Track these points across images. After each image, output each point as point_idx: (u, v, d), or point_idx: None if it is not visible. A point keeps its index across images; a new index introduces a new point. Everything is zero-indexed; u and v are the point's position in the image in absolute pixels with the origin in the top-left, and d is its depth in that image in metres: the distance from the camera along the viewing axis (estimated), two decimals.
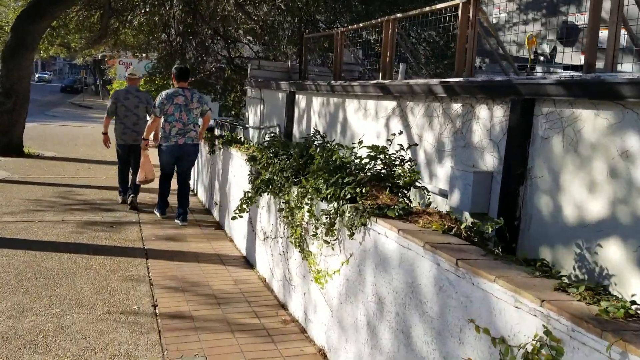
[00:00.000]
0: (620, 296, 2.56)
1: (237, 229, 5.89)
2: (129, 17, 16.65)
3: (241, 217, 4.71)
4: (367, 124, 6.41)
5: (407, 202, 3.19)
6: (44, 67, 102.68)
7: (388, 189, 3.13)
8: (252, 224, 5.27)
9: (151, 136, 6.94)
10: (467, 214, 4.42)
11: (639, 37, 4.98)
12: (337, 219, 3.21)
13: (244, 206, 4.63)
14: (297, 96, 8.90)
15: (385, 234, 2.70)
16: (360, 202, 3.03)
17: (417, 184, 3.37)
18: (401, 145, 3.85)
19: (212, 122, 18.76)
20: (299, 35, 14.64)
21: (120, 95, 7.57)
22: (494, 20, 7.68)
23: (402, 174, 3.31)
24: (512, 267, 2.11)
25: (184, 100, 6.58)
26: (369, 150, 3.51)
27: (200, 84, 18.58)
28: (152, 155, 6.92)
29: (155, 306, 4.10)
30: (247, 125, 11.59)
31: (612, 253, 3.18)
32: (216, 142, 7.12)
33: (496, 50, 6.62)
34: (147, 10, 12.84)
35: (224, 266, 5.14)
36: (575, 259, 3.49)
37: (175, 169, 6.89)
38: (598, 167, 3.31)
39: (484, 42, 6.65)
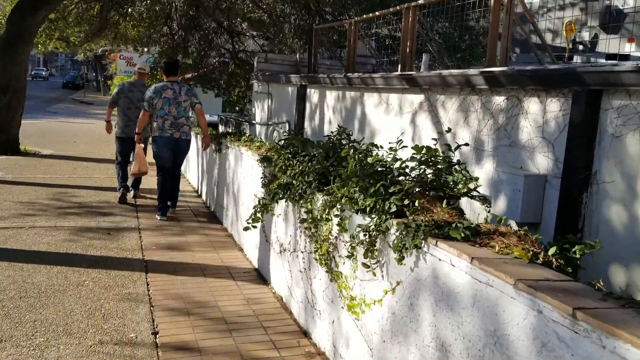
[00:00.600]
0: None
1: (248, 237, 5.29)
2: (129, 9, 16.05)
3: (255, 227, 4.11)
4: (389, 120, 5.80)
5: (463, 216, 2.59)
6: (46, 63, 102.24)
7: (444, 200, 2.53)
8: (265, 232, 4.67)
9: None
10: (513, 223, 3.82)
11: None
12: (379, 236, 2.60)
13: (259, 215, 4.04)
14: (308, 90, 8.29)
15: (450, 262, 2.10)
16: (411, 217, 2.43)
17: (476, 192, 2.77)
18: (448, 145, 3.25)
19: (215, 117, 18.23)
20: (307, 27, 14.02)
21: (125, 87, 7.60)
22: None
23: (455, 181, 2.71)
24: None
25: (172, 94, 6.51)
26: (413, 152, 2.91)
27: (203, 78, 17.97)
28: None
29: (155, 334, 3.50)
30: (253, 122, 10.98)
31: None
32: (223, 140, 6.52)
33: (529, 38, 5.99)
34: (149, 2, 12.22)
35: (234, 281, 4.55)
36: None
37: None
38: None
39: (515, 30, 6.04)
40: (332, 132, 4.12)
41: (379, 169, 2.87)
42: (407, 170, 2.96)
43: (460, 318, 2.03)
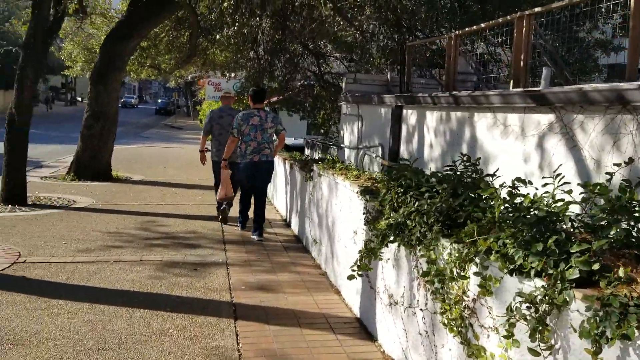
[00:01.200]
0: None
1: (347, 279, 4.66)
2: (217, 35, 16.21)
3: (361, 275, 3.47)
4: (507, 144, 5.00)
5: None
6: (141, 90, 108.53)
7: None
8: (369, 277, 4.02)
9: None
10: None
11: None
12: (552, 311, 1.88)
13: (365, 262, 3.39)
14: (405, 111, 7.63)
15: None
16: (608, 289, 1.69)
17: None
18: (627, 181, 2.46)
19: (301, 141, 17.95)
20: (395, 46, 13.41)
21: (215, 114, 7.89)
22: None
23: None
24: None
25: (259, 121, 6.77)
26: (582, 191, 2.17)
27: (288, 102, 17.80)
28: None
29: None
30: (342, 145, 10.45)
31: None
32: (315, 167, 5.97)
33: None
34: (237, 26, 12.12)
35: (333, 334, 3.92)
36: None
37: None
38: None
39: None
40: (454, 162, 3.43)
41: (540, 214, 2.15)
42: (573, 216, 2.22)
43: None
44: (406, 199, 3.29)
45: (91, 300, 4.40)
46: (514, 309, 2.01)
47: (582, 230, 2.10)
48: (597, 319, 1.66)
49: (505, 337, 2.06)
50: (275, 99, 17.73)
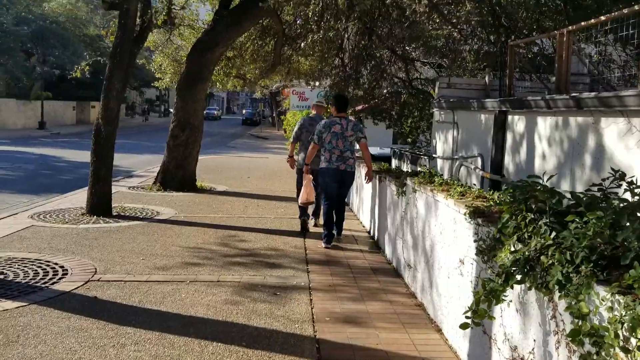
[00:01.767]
0: None
1: (449, 312, 3.94)
2: (302, 43, 15.93)
3: (478, 324, 2.76)
4: None
5: None
6: (229, 102, 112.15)
7: None
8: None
9: None
10: None
11: None
12: None
13: (483, 307, 2.68)
14: (510, 117, 6.76)
15: None
16: None
17: None
18: None
19: (388, 150, 17.24)
20: (495, 46, 12.42)
21: (306, 122, 7.93)
22: None
23: None
24: None
25: (340, 129, 6.82)
26: None
27: (374, 110, 17.18)
28: None
29: None
30: (434, 155, 9.66)
31: None
32: (409, 181, 5.29)
33: None
34: (322, 31, 11.69)
35: None
36: None
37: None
38: None
39: None
40: (602, 181, 2.64)
41: None
42: None
43: None
44: (539, 228, 2.55)
45: (162, 329, 3.97)
46: None
47: None
48: None
49: None
50: (360, 107, 17.16)
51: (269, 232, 7.50)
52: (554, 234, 2.45)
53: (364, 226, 8.17)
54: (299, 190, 7.74)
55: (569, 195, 2.66)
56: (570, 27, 6.45)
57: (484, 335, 3.23)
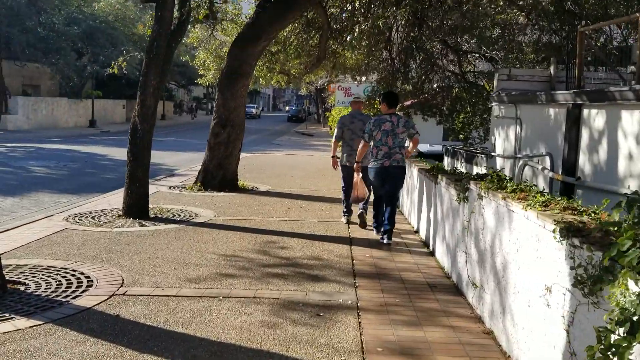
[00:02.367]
0: None
1: (529, 348, 3.23)
2: (348, 37, 15.28)
3: None
4: None
5: None
6: (275, 99, 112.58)
7: None
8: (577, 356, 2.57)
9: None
10: None
11: None
12: None
13: None
14: (585, 111, 5.92)
15: None
16: None
17: None
18: None
19: (438, 147, 16.38)
20: (562, 34, 11.43)
21: (346, 119, 7.91)
22: None
23: None
24: None
25: (390, 126, 6.72)
26: None
27: (423, 105, 16.34)
28: None
29: None
30: (493, 154, 8.84)
31: None
32: (472, 186, 4.56)
33: None
34: (371, 19, 10.99)
35: None
36: None
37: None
38: None
39: None
40: None
41: None
42: None
43: None
44: None
45: (184, 358, 3.42)
46: None
47: None
48: None
49: None
50: (409, 102, 16.37)
51: (312, 238, 6.90)
52: None
53: (416, 231, 7.46)
54: (344, 189, 7.82)
55: None
56: None
57: None
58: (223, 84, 10.93)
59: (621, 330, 1.93)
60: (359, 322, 4.11)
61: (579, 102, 5.92)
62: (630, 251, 2.05)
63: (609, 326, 2.00)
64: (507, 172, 8.25)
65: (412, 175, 7.95)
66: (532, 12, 9.92)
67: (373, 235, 7.17)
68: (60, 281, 4.95)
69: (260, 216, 8.34)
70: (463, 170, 10.93)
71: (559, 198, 3.43)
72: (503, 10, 10.77)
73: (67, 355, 3.46)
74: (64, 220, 7.64)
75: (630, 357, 1.90)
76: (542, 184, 6.85)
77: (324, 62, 15.72)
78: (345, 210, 7.90)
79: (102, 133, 30.14)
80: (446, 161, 13.07)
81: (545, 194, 3.53)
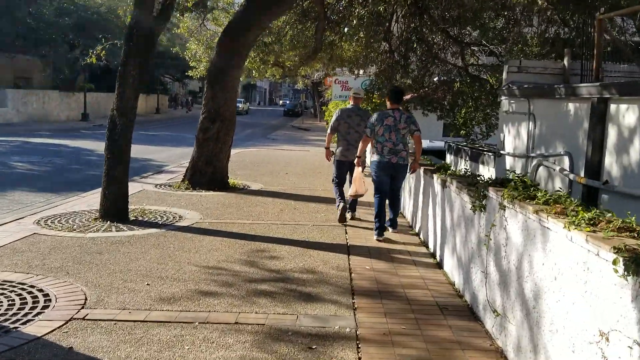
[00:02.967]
0: None
1: None
2: (346, 28, 14.58)
3: None
4: None
5: None
6: (271, 93, 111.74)
7: None
8: None
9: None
10: None
11: None
12: None
13: None
14: (613, 106, 5.27)
15: None
16: None
17: None
18: None
19: (438, 144, 15.72)
20: (567, 25, 10.78)
21: (344, 113, 7.78)
22: None
23: None
24: None
25: (393, 121, 6.68)
26: None
27: (423, 100, 15.66)
28: None
29: None
30: (502, 152, 8.17)
31: None
32: (492, 193, 3.90)
33: None
34: (369, 8, 10.30)
35: None
36: None
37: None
38: None
39: None
40: None
41: None
42: None
43: None
44: None
45: None
46: None
47: None
48: None
49: None
50: (408, 96, 15.69)
51: (305, 246, 6.24)
52: None
53: (420, 239, 6.80)
54: (337, 184, 7.74)
55: None
56: None
57: None
58: (212, 76, 10.24)
59: None
60: (359, 357, 3.45)
61: (606, 95, 5.26)
62: None
63: None
64: (518, 172, 7.61)
65: (416, 175, 7.30)
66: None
67: (373, 241, 6.53)
68: (13, 300, 4.28)
69: (250, 219, 7.67)
70: (467, 168, 10.29)
71: (609, 214, 2.76)
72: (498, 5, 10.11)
73: None
74: (34, 223, 6.96)
75: None
76: (559, 185, 6.20)
77: (321, 54, 15.02)
78: (339, 197, 7.67)
79: (95, 127, 29.34)
80: (449, 159, 12.41)
81: (591, 208, 2.86)
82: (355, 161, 7.03)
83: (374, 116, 6.86)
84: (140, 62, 7.40)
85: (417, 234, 7.05)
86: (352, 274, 5.20)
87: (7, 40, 29.24)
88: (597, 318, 2.37)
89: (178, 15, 13.16)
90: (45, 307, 4.15)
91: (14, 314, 4.00)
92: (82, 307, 4.16)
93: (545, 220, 2.94)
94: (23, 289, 4.53)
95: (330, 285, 4.85)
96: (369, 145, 7.41)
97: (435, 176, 5.99)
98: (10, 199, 9.10)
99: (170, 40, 35.81)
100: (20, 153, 15.66)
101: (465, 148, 11.14)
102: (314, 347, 3.58)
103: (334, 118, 7.84)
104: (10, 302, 4.23)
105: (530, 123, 7.26)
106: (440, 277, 5.23)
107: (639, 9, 7.28)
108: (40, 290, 4.51)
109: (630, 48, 8.16)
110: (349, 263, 5.58)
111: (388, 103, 6.91)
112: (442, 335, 3.82)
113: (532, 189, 3.51)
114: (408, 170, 6.99)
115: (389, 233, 6.94)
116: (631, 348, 2.09)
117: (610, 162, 5.28)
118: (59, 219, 7.29)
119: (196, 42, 15.45)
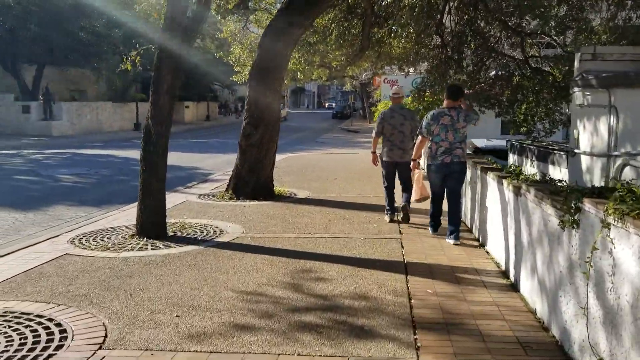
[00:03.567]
0: None
1: None
2: (394, 24, 13.80)
3: None
4: None
5: None
6: (320, 96, 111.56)
7: None
8: None
9: None
10: None
11: None
12: None
13: None
14: None
15: None
16: None
17: None
18: None
19: (499, 143, 14.67)
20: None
21: (386, 115, 7.64)
22: None
23: None
24: None
25: (449, 120, 6.40)
26: None
27: (479, 96, 14.64)
28: None
29: None
30: (576, 151, 7.21)
31: None
32: (588, 206, 3.08)
33: None
34: (417, 2, 9.51)
35: None
36: None
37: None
38: None
39: None
40: None
41: None
42: None
43: None
44: None
45: None
46: None
47: None
48: None
49: None
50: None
51: (357, 264, 5.54)
52: None
53: (490, 256, 5.95)
54: (387, 188, 7.65)
55: None
56: None
57: None
58: (254, 79, 9.70)
59: None
60: None
61: None
62: None
63: None
64: (597, 174, 6.65)
65: (480, 179, 6.49)
66: None
67: (434, 257, 5.76)
68: (25, 337, 3.78)
69: (296, 232, 7.04)
70: (534, 170, 9.32)
71: None
72: None
73: None
74: (68, 242, 6.57)
75: None
76: None
77: (368, 52, 14.27)
78: (388, 207, 7.66)
79: None
80: (511, 159, 11.42)
81: None
82: (412, 165, 6.90)
83: (429, 115, 6.59)
84: (174, 66, 6.92)
85: (481, 245, 6.23)
86: (412, 300, 4.46)
87: (60, 54, 29.97)
88: None
89: (220, 18, 12.73)
90: (59, 347, 3.63)
91: (23, 357, 3.49)
92: (100, 348, 3.61)
93: None
94: (40, 323, 4.04)
95: (386, 316, 4.13)
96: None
97: (505, 182, 5.17)
98: (51, 215, 8.83)
99: (219, 48, 35.99)
100: (69, 165, 15.67)
101: (531, 147, 10.13)
102: None
103: (377, 121, 7.84)
104: (21, 340, 3.73)
105: (612, 117, 6.30)
106: (517, 302, 4.41)
107: None
108: (58, 325, 4.00)
109: None
110: (407, 286, 4.84)
111: (445, 101, 6.57)
112: None
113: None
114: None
115: (451, 245, 6.27)
116: None
117: None
118: (94, 236, 6.88)
119: (240, 46, 15.02)
